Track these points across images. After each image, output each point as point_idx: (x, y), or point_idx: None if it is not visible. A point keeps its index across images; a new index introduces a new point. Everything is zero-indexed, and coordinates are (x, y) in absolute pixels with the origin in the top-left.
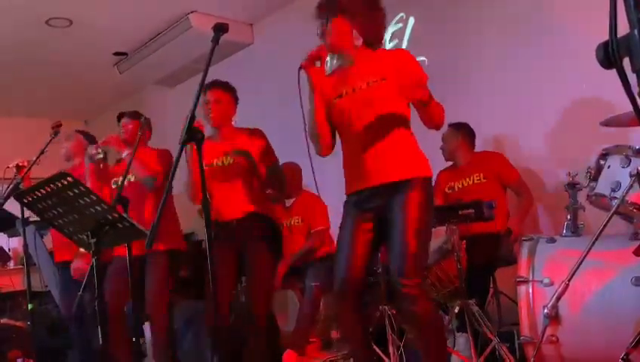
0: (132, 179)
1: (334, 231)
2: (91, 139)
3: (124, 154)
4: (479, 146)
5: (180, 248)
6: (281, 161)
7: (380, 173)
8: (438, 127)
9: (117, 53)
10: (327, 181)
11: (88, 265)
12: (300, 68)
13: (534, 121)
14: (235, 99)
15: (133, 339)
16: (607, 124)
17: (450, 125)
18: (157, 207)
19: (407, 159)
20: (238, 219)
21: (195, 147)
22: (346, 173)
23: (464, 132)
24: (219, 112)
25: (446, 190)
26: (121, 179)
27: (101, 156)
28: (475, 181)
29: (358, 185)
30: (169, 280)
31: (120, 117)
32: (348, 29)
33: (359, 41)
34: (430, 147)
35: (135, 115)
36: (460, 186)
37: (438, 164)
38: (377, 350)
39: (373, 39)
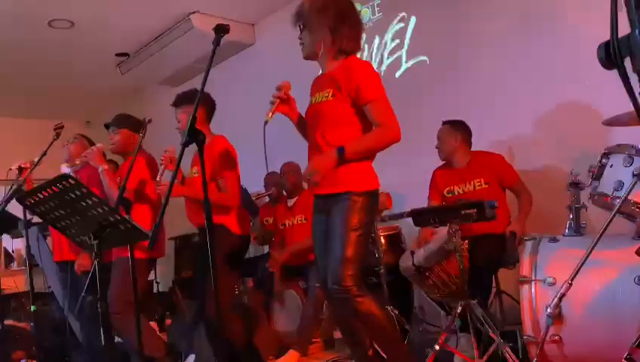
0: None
1: None
2: (92, 144)
3: (100, 169)
4: (481, 146)
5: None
6: (282, 161)
7: (321, 183)
8: (394, 141)
9: (119, 54)
10: None
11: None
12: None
13: (536, 120)
14: (203, 107)
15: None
16: (609, 123)
17: (446, 123)
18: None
19: (344, 173)
20: (200, 230)
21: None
22: None
23: (462, 131)
24: (181, 131)
25: (445, 193)
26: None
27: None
28: (477, 187)
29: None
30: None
31: (107, 127)
32: (313, 41)
33: (322, 52)
34: (428, 145)
35: (120, 123)
36: (461, 191)
37: (433, 162)
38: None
39: (338, 50)
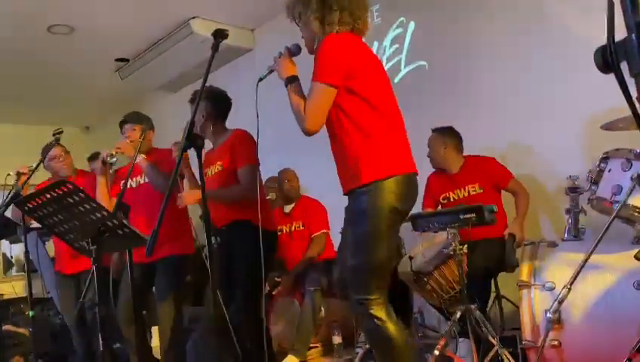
0: (142, 181)
1: (336, 235)
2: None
3: (139, 158)
4: (479, 151)
5: (187, 253)
6: (279, 168)
7: (341, 183)
8: (302, 129)
9: (118, 60)
10: (329, 184)
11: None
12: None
13: (534, 124)
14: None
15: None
16: (607, 128)
17: (435, 131)
18: (171, 209)
19: (351, 168)
20: (224, 226)
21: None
22: None
23: (450, 137)
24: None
25: (440, 200)
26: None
27: (114, 160)
28: (471, 193)
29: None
30: (177, 284)
31: (122, 124)
32: (308, 35)
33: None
34: (427, 149)
35: (136, 119)
36: (456, 198)
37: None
38: None
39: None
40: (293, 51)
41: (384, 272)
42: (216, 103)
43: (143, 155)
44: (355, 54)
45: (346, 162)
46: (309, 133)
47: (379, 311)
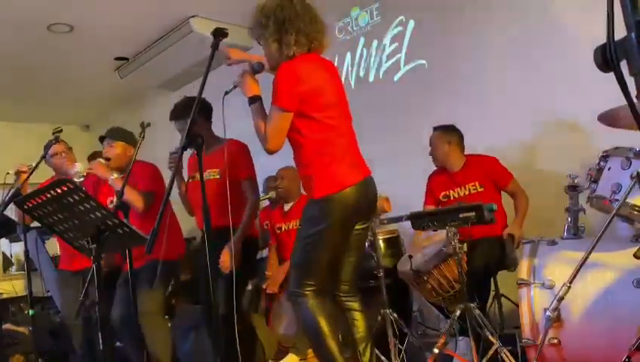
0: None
1: None
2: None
3: (110, 179)
4: (478, 150)
5: (174, 258)
6: (279, 166)
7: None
8: (264, 148)
9: (118, 58)
10: None
11: None
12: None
13: (534, 123)
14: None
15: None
16: (604, 118)
17: (437, 129)
18: (142, 216)
19: (307, 181)
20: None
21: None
22: None
23: (453, 135)
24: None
25: (441, 198)
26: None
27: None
28: (472, 191)
29: None
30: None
31: (101, 139)
32: (268, 54)
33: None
34: (427, 148)
35: (115, 135)
36: (457, 196)
37: (432, 164)
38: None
39: (287, 58)
40: (256, 69)
41: (321, 272)
42: (201, 111)
43: (116, 175)
44: (307, 79)
45: (303, 175)
46: (270, 152)
47: (309, 303)
